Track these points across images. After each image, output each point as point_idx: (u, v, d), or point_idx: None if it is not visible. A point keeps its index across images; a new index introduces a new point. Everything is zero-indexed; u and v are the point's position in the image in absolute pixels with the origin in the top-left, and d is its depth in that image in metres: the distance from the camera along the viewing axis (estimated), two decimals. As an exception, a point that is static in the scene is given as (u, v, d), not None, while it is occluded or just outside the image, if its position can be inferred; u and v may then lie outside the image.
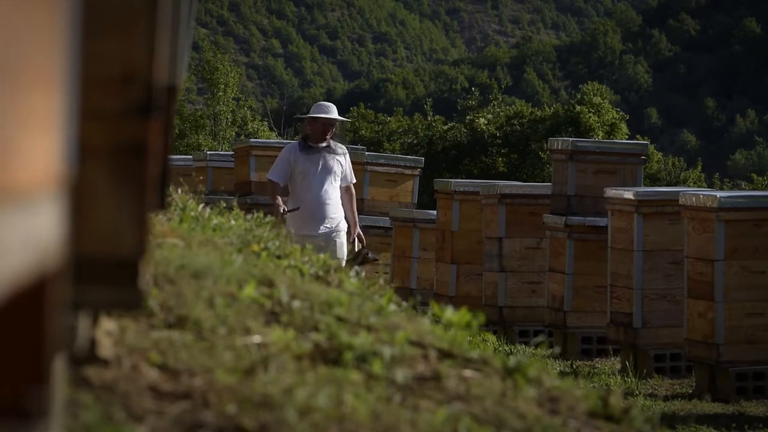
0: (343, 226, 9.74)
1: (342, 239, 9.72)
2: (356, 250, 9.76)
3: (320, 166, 9.71)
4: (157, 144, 2.45)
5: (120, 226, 2.41)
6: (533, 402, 3.69)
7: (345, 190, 9.85)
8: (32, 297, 1.53)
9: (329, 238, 9.67)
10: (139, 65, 2.37)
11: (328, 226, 9.69)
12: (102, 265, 2.43)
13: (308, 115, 9.83)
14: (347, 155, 9.93)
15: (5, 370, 1.55)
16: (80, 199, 2.36)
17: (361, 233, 9.94)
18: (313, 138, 9.78)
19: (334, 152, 9.79)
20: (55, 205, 1.53)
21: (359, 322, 3.85)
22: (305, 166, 9.69)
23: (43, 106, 1.48)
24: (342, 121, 10.04)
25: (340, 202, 9.79)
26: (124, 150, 2.38)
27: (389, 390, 3.36)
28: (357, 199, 14.74)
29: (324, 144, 9.76)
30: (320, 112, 9.75)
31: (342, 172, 9.80)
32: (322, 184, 9.70)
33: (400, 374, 3.46)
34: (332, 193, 9.72)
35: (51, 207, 1.51)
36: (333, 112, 9.79)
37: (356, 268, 9.26)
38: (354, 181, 9.93)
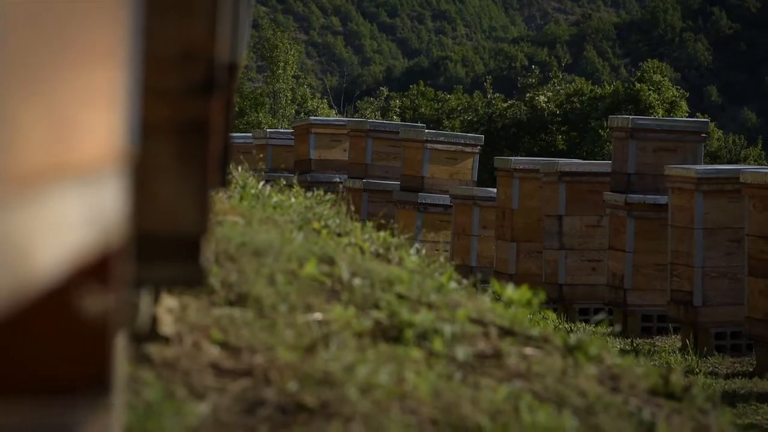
0: None
1: None
2: None
3: None
4: (219, 121, 2.45)
5: (182, 203, 2.42)
6: (594, 380, 3.67)
7: None
8: (95, 273, 1.54)
9: None
10: (200, 43, 2.37)
11: None
12: (164, 242, 2.44)
13: None
14: None
15: (68, 347, 1.56)
16: (143, 176, 2.37)
17: None
18: None
19: None
20: (118, 181, 1.53)
21: (420, 300, 3.84)
22: None
23: (106, 83, 1.48)
24: None
25: None
26: (186, 127, 2.38)
27: (450, 367, 3.36)
28: (416, 177, 14.75)
29: None
30: None
31: None
32: None
33: (461, 352, 3.45)
34: None
35: (114, 183, 1.51)
36: None
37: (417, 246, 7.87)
38: None
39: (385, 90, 48.49)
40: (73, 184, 1.33)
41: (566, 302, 12.48)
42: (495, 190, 13.64)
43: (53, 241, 1.25)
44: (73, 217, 1.33)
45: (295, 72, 39.04)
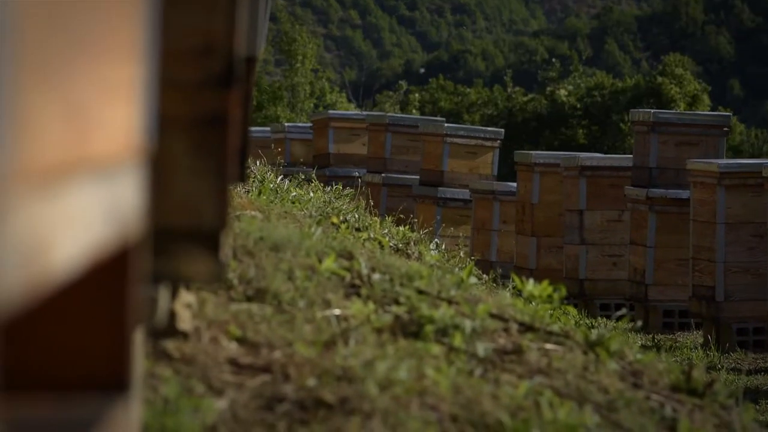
0: None
1: None
2: None
3: None
4: (237, 115, 2.43)
5: (200, 197, 2.40)
6: (615, 376, 3.64)
7: None
8: (113, 269, 1.53)
9: None
10: (219, 36, 2.35)
11: None
12: (183, 237, 2.42)
13: None
14: None
15: (86, 343, 1.55)
16: (160, 170, 2.36)
17: None
18: None
19: None
20: (135, 176, 1.52)
21: (440, 295, 3.83)
22: None
23: (124, 77, 1.47)
24: None
25: None
26: (205, 121, 2.37)
27: (470, 363, 3.34)
28: (436, 171, 14.72)
29: None
30: None
31: None
32: None
33: (481, 347, 3.43)
34: None
35: (131, 178, 1.50)
36: None
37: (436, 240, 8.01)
38: None
39: (404, 84, 48.44)
40: (91, 179, 1.32)
41: (587, 298, 12.44)
42: (515, 184, 13.60)
43: (71, 236, 1.24)
44: (91, 212, 1.32)
45: (313, 65, 38.99)
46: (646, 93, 36.04)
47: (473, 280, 4.14)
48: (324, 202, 5.23)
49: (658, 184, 11.79)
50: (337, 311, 3.41)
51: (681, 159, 11.59)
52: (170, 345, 2.85)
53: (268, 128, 19.33)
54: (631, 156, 12.51)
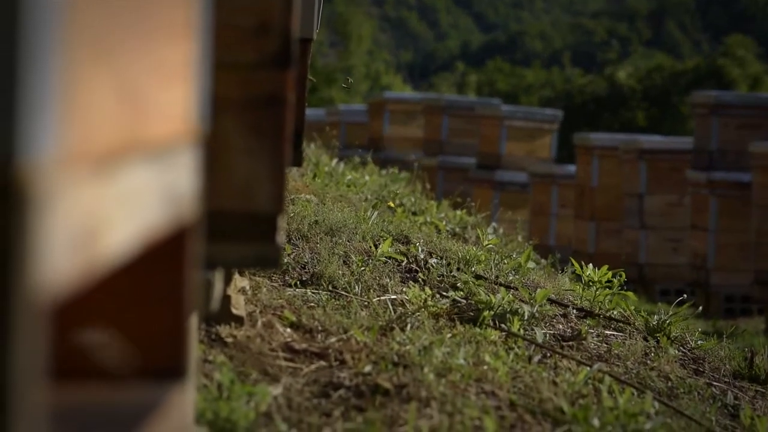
0: None
1: None
2: None
3: None
4: (293, 97, 2.40)
5: (256, 181, 2.37)
6: (676, 362, 3.60)
7: None
8: (168, 252, 1.50)
9: None
10: (274, 15, 2.32)
11: None
12: (238, 221, 2.40)
13: None
14: None
15: (142, 328, 1.52)
16: (215, 152, 2.33)
17: None
18: None
19: None
20: (190, 158, 1.49)
21: (497, 280, 3.79)
22: None
23: (178, 58, 1.44)
24: None
25: None
26: (260, 103, 2.34)
27: (529, 349, 3.30)
28: (493, 154, 14.63)
29: None
30: None
31: None
32: None
33: (540, 333, 3.39)
34: None
35: (186, 160, 1.47)
36: None
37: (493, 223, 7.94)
38: None
39: (461, 65, 48.30)
40: (145, 161, 1.30)
41: (647, 283, 12.34)
42: (574, 167, 13.51)
43: (125, 219, 1.21)
44: (146, 194, 1.29)
45: (368, 47, 38.95)
46: (707, 75, 35.71)
47: (531, 264, 4.10)
48: (380, 185, 5.21)
49: (719, 168, 11.66)
50: (393, 296, 3.38)
51: (742, 142, 11.46)
52: (224, 330, 2.83)
53: (322, 110, 19.29)
54: (691, 139, 12.38)
